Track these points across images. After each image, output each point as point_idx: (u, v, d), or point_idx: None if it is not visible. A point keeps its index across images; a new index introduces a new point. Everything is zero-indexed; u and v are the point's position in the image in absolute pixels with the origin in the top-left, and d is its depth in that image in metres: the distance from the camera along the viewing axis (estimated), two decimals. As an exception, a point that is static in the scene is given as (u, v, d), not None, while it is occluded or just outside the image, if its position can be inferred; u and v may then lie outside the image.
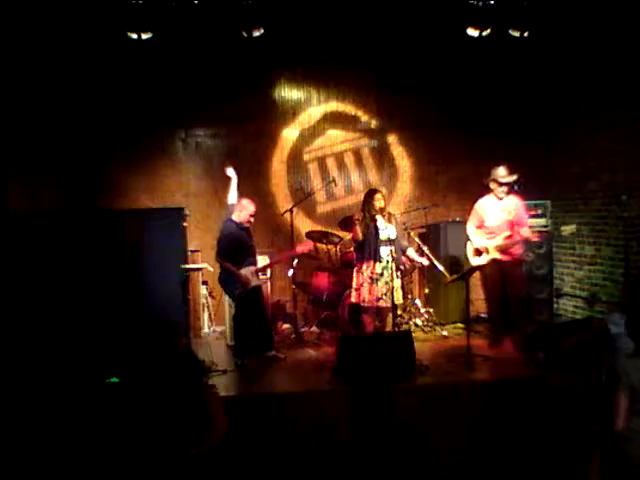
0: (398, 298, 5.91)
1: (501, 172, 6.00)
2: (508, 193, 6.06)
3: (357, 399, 4.82)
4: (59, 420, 4.43)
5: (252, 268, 5.84)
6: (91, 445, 4.18)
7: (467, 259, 7.29)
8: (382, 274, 5.80)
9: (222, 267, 5.85)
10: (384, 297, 5.79)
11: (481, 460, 4.62)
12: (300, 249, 6.31)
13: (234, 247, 5.76)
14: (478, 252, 6.11)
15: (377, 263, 5.82)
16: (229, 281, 5.83)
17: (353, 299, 6.06)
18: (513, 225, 5.92)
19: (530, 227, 5.99)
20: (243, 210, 5.84)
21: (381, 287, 5.80)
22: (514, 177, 6.01)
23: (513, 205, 5.99)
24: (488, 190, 6.14)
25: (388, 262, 5.80)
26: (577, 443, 3.83)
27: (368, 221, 5.87)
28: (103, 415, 4.30)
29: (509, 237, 5.91)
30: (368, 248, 5.86)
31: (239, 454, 4.05)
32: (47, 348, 5.78)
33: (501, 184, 5.99)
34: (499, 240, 5.95)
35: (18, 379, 5.00)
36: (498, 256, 5.96)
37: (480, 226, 6.14)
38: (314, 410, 4.73)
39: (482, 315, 7.37)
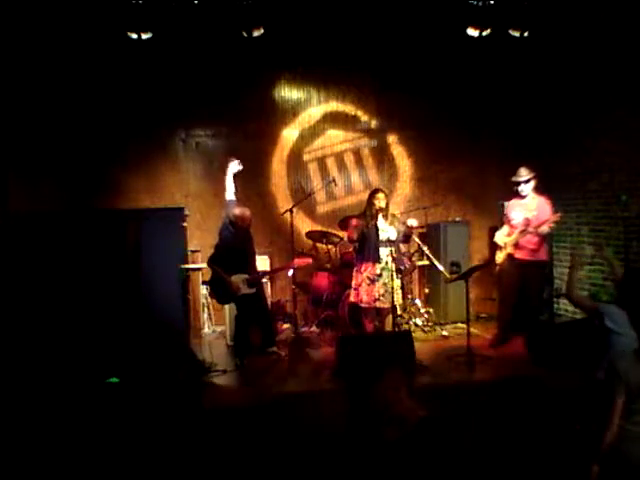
0: (398, 299, 5.92)
1: (518, 173, 6.11)
2: (539, 193, 6.12)
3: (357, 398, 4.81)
4: (59, 420, 4.43)
5: (244, 276, 5.82)
6: (91, 445, 4.18)
7: (467, 259, 7.37)
8: (381, 275, 5.80)
9: (213, 271, 5.89)
10: (382, 298, 5.79)
11: (481, 460, 4.62)
12: (298, 262, 6.27)
13: (227, 255, 5.79)
14: (499, 248, 6.22)
15: (376, 264, 5.83)
16: (217, 286, 5.87)
17: (352, 298, 6.06)
18: (530, 223, 5.95)
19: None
20: (244, 221, 5.82)
21: (379, 288, 5.80)
22: (520, 177, 6.05)
23: (535, 205, 6.03)
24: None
25: (387, 263, 5.81)
26: (576, 443, 3.83)
27: (368, 219, 5.88)
28: (103, 415, 4.30)
29: (522, 231, 5.96)
30: (368, 248, 5.86)
31: (239, 454, 4.04)
32: (47, 348, 5.78)
33: (514, 184, 6.11)
34: (514, 235, 6.01)
35: (18, 379, 5.00)
36: (512, 251, 6.03)
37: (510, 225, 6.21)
38: (314, 410, 4.72)
39: (482, 315, 7.38)
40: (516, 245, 6.01)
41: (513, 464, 4.40)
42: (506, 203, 6.43)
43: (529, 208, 6.01)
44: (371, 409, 2.77)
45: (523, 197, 6.09)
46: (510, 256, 6.06)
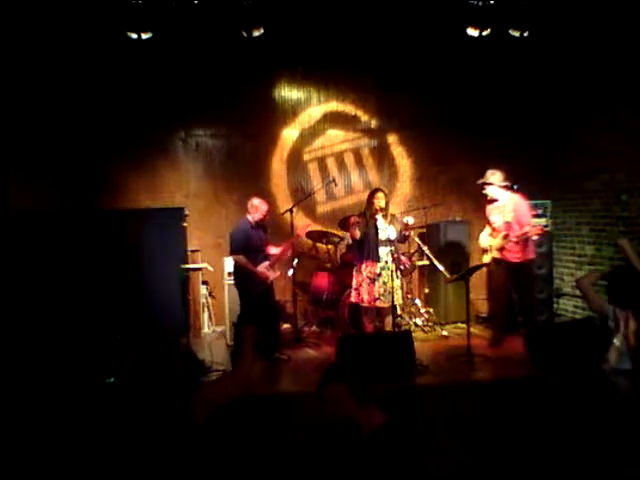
0: (398, 298, 5.92)
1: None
2: (516, 192, 6.09)
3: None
4: (59, 420, 4.43)
5: (266, 263, 5.94)
6: (91, 445, 4.18)
7: (467, 259, 7.37)
8: (380, 274, 5.81)
9: (236, 266, 5.89)
10: (382, 297, 5.80)
11: (481, 460, 4.62)
12: (299, 233, 6.37)
13: (245, 244, 5.85)
14: (484, 251, 6.22)
15: (376, 263, 5.83)
16: (247, 279, 5.87)
17: (352, 299, 6.06)
18: (511, 226, 5.93)
19: (532, 225, 5.98)
20: (257, 212, 5.93)
21: (379, 287, 5.81)
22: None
23: (511, 205, 5.99)
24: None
25: (387, 262, 5.82)
26: (576, 443, 3.83)
27: (368, 219, 5.89)
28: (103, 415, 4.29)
29: (506, 237, 5.94)
30: (367, 248, 5.87)
31: (238, 454, 4.05)
32: (47, 348, 5.78)
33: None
34: (498, 239, 6.00)
35: (18, 379, 5.00)
36: (497, 255, 6.00)
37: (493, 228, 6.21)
38: (314, 410, 4.72)
39: (482, 315, 7.38)
40: (501, 249, 5.99)
41: (513, 462, 4.41)
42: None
43: (507, 210, 5.98)
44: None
45: (494, 200, 6.08)
46: (496, 259, 6.05)
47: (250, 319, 5.85)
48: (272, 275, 5.97)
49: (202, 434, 3.13)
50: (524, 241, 5.93)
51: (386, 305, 5.83)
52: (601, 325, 3.64)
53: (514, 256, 5.96)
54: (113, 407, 4.29)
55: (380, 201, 5.87)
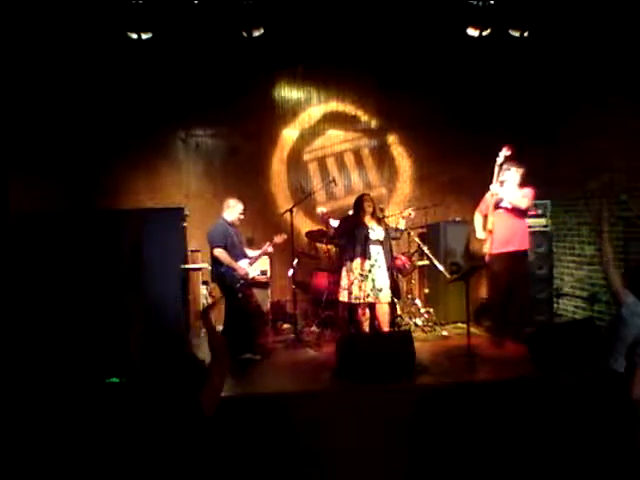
0: (386, 296, 5.97)
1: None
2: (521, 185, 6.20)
3: (357, 399, 4.81)
4: (59, 420, 4.43)
5: (246, 260, 6.06)
6: (91, 445, 4.18)
7: (467, 259, 7.36)
8: (370, 271, 5.86)
9: (218, 262, 5.92)
10: (372, 293, 5.86)
11: (481, 460, 4.62)
12: (277, 239, 6.31)
13: (225, 240, 5.93)
14: (484, 241, 6.30)
15: (366, 260, 5.90)
16: (228, 274, 5.91)
17: (344, 298, 6.05)
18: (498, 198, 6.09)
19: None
20: (234, 209, 6.05)
21: (369, 283, 5.85)
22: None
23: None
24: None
25: (377, 260, 5.88)
26: (578, 443, 3.83)
27: (358, 220, 5.96)
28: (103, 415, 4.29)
29: (496, 205, 6.06)
30: (358, 247, 5.94)
31: (238, 454, 4.04)
32: (47, 348, 5.78)
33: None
34: (489, 217, 6.09)
35: (18, 379, 5.00)
36: (491, 229, 6.11)
37: (486, 214, 6.24)
38: (314, 410, 4.72)
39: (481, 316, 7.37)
40: (506, 240, 6.03)
41: (514, 462, 4.40)
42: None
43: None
44: None
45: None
46: (492, 255, 6.08)
47: (234, 315, 5.89)
48: (252, 272, 6.12)
49: (208, 432, 3.14)
50: (521, 226, 6.10)
51: (379, 302, 5.87)
52: (616, 312, 3.63)
53: (512, 243, 6.01)
54: (117, 405, 4.29)
55: (370, 206, 6.05)
